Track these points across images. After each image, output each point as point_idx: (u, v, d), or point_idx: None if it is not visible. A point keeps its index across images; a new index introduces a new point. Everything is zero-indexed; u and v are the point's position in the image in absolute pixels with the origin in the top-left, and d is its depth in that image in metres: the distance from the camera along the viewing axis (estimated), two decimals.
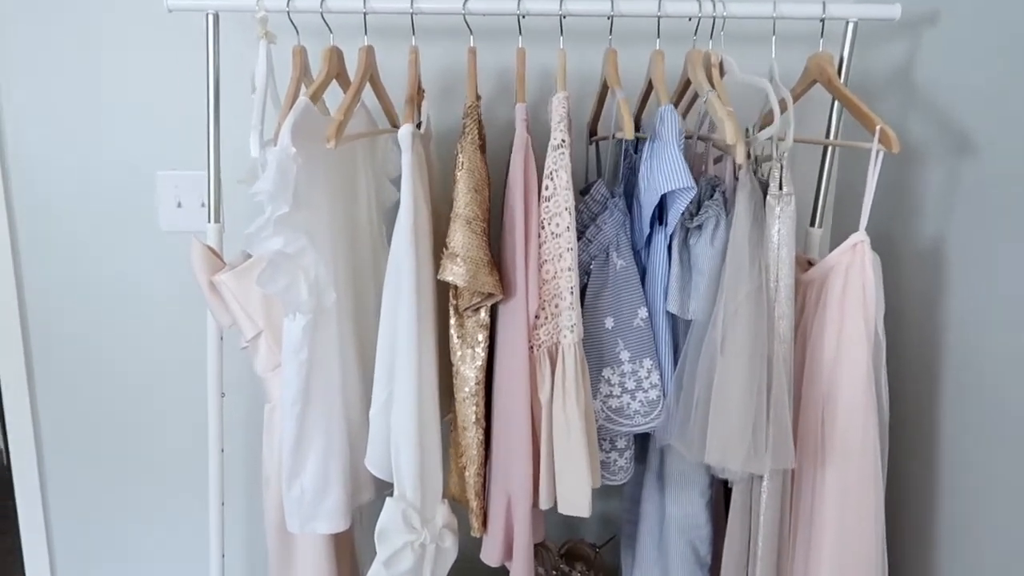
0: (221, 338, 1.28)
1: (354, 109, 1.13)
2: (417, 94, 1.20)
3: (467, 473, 1.16)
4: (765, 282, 1.09)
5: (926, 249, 1.25)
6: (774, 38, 1.20)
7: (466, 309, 1.10)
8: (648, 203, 1.09)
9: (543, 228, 1.09)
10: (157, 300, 1.55)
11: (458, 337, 1.13)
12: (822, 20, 1.19)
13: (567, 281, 1.07)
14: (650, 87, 1.24)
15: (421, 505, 1.13)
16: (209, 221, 1.26)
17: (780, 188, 1.09)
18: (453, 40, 1.27)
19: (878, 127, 1.06)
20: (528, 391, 1.10)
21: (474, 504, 1.16)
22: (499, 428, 1.13)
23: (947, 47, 1.22)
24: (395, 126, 1.28)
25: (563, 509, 1.09)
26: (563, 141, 1.06)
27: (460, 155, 1.07)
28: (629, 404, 1.15)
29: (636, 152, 1.19)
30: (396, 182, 1.21)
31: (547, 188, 1.08)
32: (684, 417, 1.13)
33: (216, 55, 1.21)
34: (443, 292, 1.13)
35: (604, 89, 1.28)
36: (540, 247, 1.08)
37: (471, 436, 1.14)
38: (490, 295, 1.08)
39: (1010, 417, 1.07)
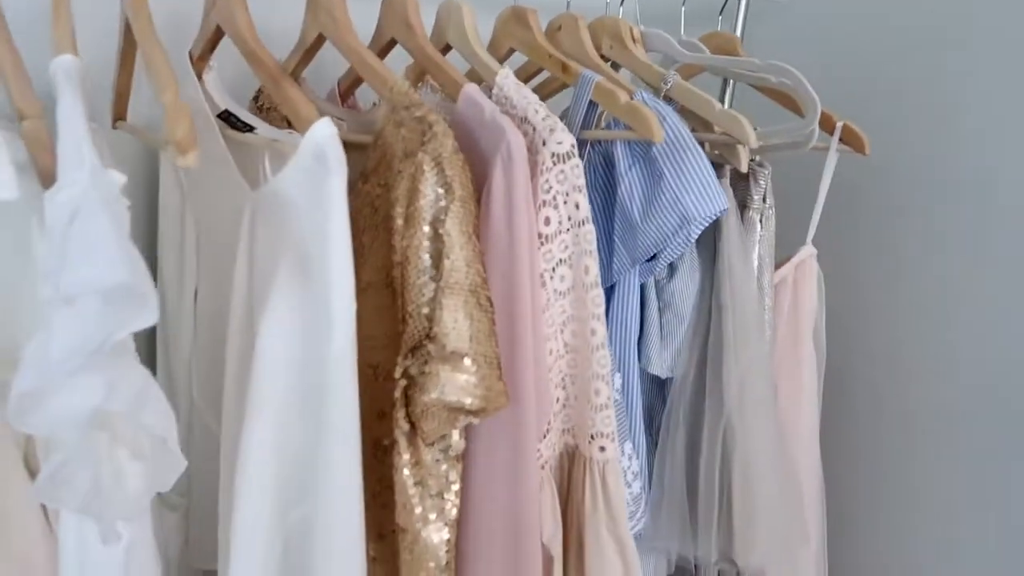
0: None
1: None
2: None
3: None
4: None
5: None
6: (683, 9, 0.96)
7: (439, 437, 0.64)
8: (656, 230, 0.76)
9: (544, 284, 0.68)
10: None
11: (415, 484, 0.66)
12: None
13: (601, 365, 0.69)
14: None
15: None
16: None
17: (764, 200, 0.87)
18: None
19: (839, 125, 0.91)
20: (538, 539, 0.69)
21: None
22: None
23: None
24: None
25: None
26: (571, 148, 0.67)
27: (429, 174, 0.60)
28: None
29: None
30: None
31: (547, 223, 0.68)
32: (675, 510, 0.86)
33: None
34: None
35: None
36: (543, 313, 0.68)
37: None
38: (475, 413, 0.64)
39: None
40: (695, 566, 0.92)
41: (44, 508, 0.55)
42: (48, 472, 0.45)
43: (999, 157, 0.97)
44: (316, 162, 0.56)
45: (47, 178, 0.45)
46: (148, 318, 0.43)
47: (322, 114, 0.57)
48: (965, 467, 1.03)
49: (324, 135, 0.55)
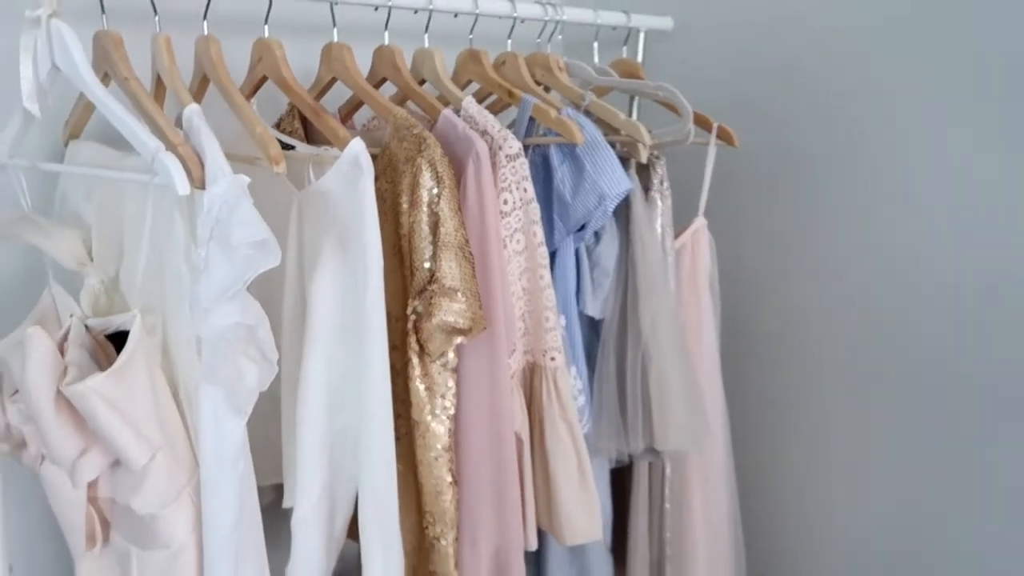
0: None
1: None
2: None
3: (442, 543, 0.98)
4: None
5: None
6: (596, 43, 1.27)
7: (442, 353, 0.93)
8: (582, 206, 1.06)
9: (505, 247, 0.97)
10: None
11: (425, 388, 0.94)
12: (629, 29, 1.31)
13: (549, 300, 0.99)
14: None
15: None
16: None
17: (662, 183, 1.18)
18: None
19: (715, 125, 1.23)
20: (513, 428, 0.98)
21: (454, 575, 0.99)
22: (480, 479, 0.98)
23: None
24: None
25: (573, 540, 1.02)
26: (519, 151, 0.97)
27: (426, 172, 0.88)
28: None
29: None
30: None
31: (505, 203, 0.97)
32: (611, 415, 1.15)
33: None
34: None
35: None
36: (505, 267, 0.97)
37: (447, 500, 0.97)
38: (465, 332, 0.93)
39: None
40: (630, 461, 1.21)
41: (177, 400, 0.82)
42: (207, 362, 0.73)
43: (848, 143, 1.26)
44: (352, 167, 0.84)
45: (199, 181, 0.72)
46: (271, 262, 0.71)
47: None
48: (840, 376, 1.31)
49: (358, 148, 0.83)
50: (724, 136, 1.22)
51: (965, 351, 1.15)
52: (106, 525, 0.87)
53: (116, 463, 0.81)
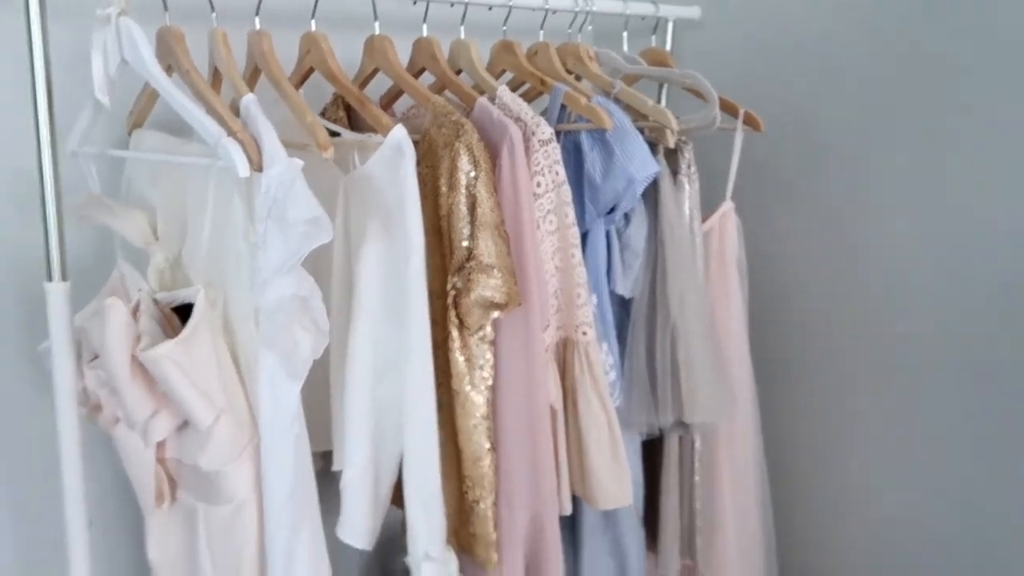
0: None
1: None
2: None
3: (481, 506, 1.04)
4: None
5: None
6: (625, 33, 1.32)
7: (480, 327, 0.99)
8: (612, 190, 1.11)
9: (538, 227, 1.03)
10: None
11: (464, 360, 1.00)
12: (657, 18, 1.35)
13: (580, 277, 1.04)
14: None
15: (447, 558, 0.99)
16: (50, 279, 0.85)
17: (689, 167, 1.22)
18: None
19: (742, 111, 1.27)
20: (547, 398, 1.04)
21: (493, 536, 1.05)
22: (516, 446, 1.04)
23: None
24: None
25: (605, 505, 1.07)
26: (551, 136, 1.02)
27: (463, 156, 0.94)
28: None
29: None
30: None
31: (538, 185, 1.02)
32: (641, 390, 1.20)
33: (44, 27, 0.81)
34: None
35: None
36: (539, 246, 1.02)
37: (485, 465, 1.03)
38: (502, 307, 0.98)
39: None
40: (660, 435, 1.26)
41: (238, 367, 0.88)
42: (265, 331, 0.79)
43: (877, 130, 1.29)
44: (395, 152, 0.89)
45: (257, 165, 0.78)
46: (325, 238, 0.77)
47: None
48: (866, 356, 1.34)
49: (401, 135, 0.89)
50: (750, 121, 1.26)
51: (995, 338, 1.17)
52: (172, 484, 0.94)
53: (182, 426, 0.88)
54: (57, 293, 0.85)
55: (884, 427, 1.33)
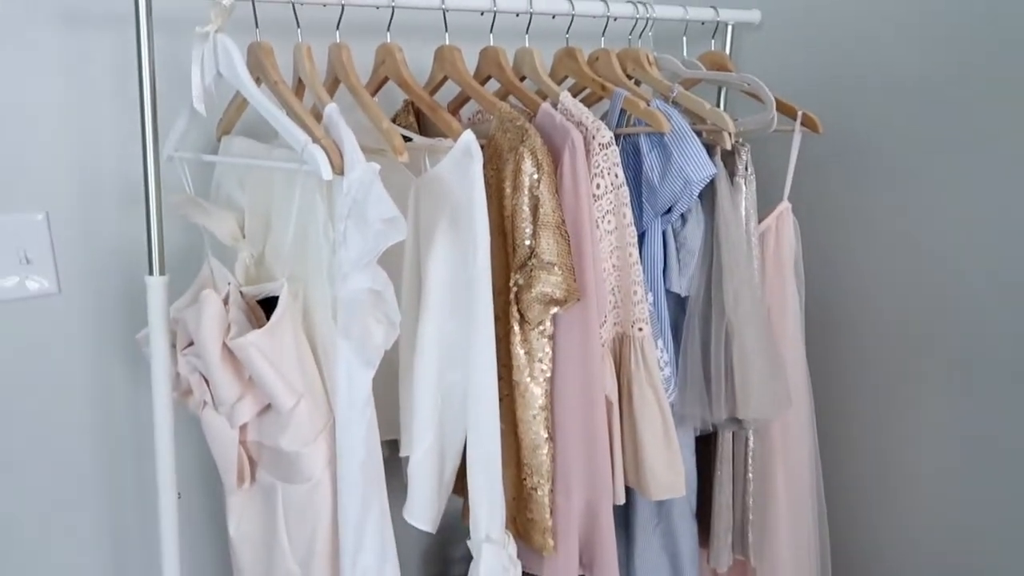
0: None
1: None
2: None
3: (538, 493, 1.09)
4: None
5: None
6: (684, 38, 1.35)
7: (540, 322, 1.04)
8: (669, 191, 1.15)
9: (597, 227, 1.07)
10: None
11: (525, 353, 1.05)
12: (717, 22, 1.38)
13: (637, 275, 1.08)
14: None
15: (506, 541, 1.05)
16: (151, 273, 0.94)
17: (746, 169, 1.25)
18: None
19: (799, 112, 1.29)
20: (603, 391, 1.08)
21: (549, 523, 1.10)
22: (573, 436, 1.09)
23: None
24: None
25: (659, 495, 1.11)
26: (611, 140, 1.06)
27: (527, 159, 0.99)
28: None
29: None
30: None
31: (598, 187, 1.07)
32: (696, 386, 1.23)
33: (151, 46, 0.90)
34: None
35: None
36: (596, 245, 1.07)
37: (543, 454, 1.08)
38: (561, 303, 1.03)
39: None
40: (714, 430, 1.29)
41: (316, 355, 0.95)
42: (343, 321, 0.86)
43: (934, 133, 1.30)
44: (464, 156, 0.95)
45: (339, 168, 0.85)
46: (400, 236, 0.83)
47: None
48: (923, 357, 1.35)
49: (470, 139, 0.94)
50: (808, 123, 1.28)
51: None
52: (253, 465, 1.02)
53: (264, 410, 0.96)
54: (156, 286, 0.93)
55: (941, 429, 1.33)
